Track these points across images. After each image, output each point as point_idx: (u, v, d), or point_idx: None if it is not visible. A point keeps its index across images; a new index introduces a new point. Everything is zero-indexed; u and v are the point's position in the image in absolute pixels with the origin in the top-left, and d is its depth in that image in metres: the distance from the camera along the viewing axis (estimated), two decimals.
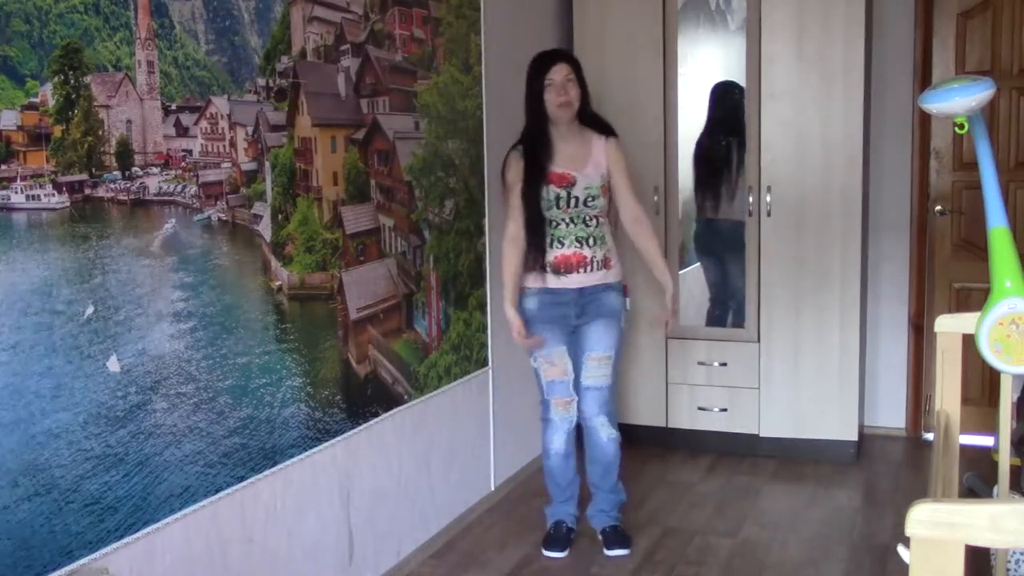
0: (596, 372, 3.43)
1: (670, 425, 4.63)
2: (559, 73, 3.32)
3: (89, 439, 2.15)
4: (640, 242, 3.48)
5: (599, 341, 3.42)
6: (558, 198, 3.34)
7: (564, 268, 3.37)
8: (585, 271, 3.37)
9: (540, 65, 3.37)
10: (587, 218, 3.36)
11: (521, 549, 3.56)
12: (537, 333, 3.40)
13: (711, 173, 4.65)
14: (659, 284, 3.50)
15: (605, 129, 3.45)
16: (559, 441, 3.49)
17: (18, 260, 2.02)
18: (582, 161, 3.38)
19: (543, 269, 3.36)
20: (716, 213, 4.62)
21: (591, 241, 3.37)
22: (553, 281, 3.37)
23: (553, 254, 3.36)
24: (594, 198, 3.36)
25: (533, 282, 3.39)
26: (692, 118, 4.57)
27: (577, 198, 3.34)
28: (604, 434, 3.49)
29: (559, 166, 3.35)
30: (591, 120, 3.44)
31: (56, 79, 2.12)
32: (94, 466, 2.17)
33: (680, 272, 4.59)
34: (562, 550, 3.50)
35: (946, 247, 4.69)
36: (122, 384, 2.24)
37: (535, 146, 3.37)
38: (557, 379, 3.44)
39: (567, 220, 3.36)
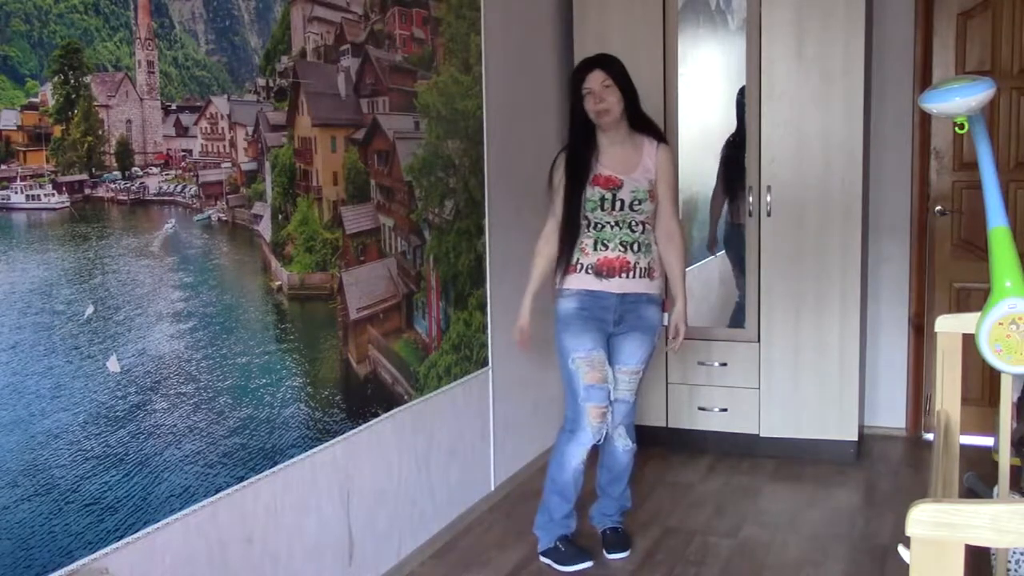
0: (626, 386, 3.42)
1: (670, 425, 4.63)
2: (595, 80, 3.29)
3: (89, 439, 2.15)
4: (666, 258, 3.44)
5: (633, 355, 3.39)
6: (603, 199, 3.31)
7: (607, 271, 3.32)
8: (627, 276, 3.32)
9: (578, 73, 3.37)
10: (633, 223, 3.33)
11: (521, 549, 3.56)
12: (577, 334, 3.32)
13: (736, 175, 4.63)
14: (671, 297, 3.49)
15: (657, 135, 3.43)
16: (580, 455, 3.37)
17: (18, 260, 2.02)
18: (631, 165, 3.35)
19: (585, 271, 3.33)
20: (740, 217, 4.60)
21: (636, 247, 3.33)
22: (594, 284, 3.32)
23: (596, 256, 3.32)
24: (640, 202, 3.32)
25: (574, 283, 3.35)
26: (693, 118, 4.57)
27: (623, 201, 3.31)
28: (620, 444, 3.48)
29: (607, 169, 3.33)
30: (643, 124, 3.41)
31: (56, 79, 2.12)
32: (94, 466, 2.17)
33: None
34: (584, 560, 3.43)
35: (946, 247, 4.69)
36: (122, 384, 2.24)
37: (579, 149, 3.35)
38: (597, 384, 3.32)
39: (612, 223, 3.32)
